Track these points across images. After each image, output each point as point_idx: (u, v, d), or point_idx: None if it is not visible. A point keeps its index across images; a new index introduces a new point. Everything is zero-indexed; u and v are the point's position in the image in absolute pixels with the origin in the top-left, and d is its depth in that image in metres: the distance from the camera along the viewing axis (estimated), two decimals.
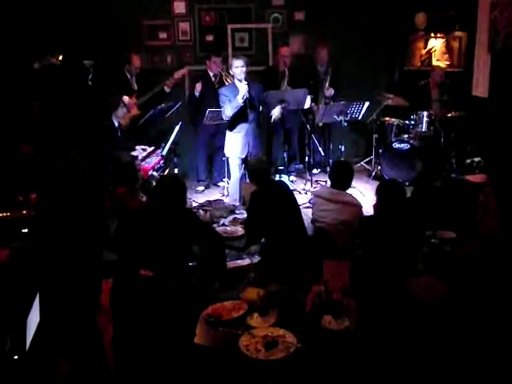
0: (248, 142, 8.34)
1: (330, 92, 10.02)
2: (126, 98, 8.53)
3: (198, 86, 9.47)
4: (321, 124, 9.92)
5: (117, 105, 8.16)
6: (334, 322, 4.24)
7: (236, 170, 8.47)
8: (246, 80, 8.06)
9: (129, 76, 9.25)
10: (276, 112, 9.24)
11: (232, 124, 8.31)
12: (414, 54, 11.25)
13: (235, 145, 8.39)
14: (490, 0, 9.56)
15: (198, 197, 9.32)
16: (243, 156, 8.37)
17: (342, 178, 6.48)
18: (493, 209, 5.26)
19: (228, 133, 8.46)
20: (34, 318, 3.72)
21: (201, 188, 9.86)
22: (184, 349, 4.25)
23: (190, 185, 8.18)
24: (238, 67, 8.05)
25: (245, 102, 8.02)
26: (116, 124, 8.13)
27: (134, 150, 8.24)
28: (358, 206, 6.39)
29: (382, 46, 11.12)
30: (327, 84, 9.98)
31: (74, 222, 4.15)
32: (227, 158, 8.73)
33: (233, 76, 8.40)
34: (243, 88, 7.97)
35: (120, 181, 6.56)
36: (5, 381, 3.37)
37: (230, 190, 8.78)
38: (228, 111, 8.13)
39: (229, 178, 9.16)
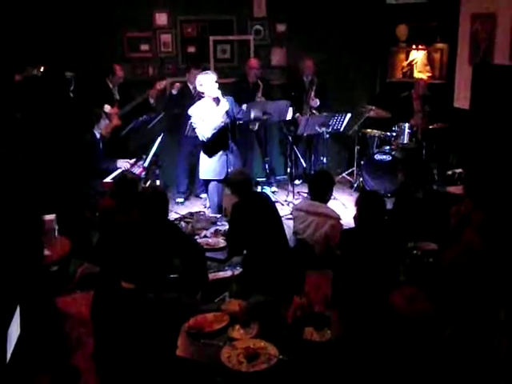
0: (228, 162, 7.70)
1: (316, 102, 10.06)
2: (107, 107, 8.52)
3: (177, 85, 9.54)
4: (305, 134, 9.92)
5: (99, 117, 8.12)
6: (315, 333, 4.23)
7: (216, 191, 7.92)
8: (223, 96, 7.51)
9: (111, 86, 9.23)
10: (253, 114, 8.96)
11: (210, 146, 7.67)
12: (395, 65, 11.32)
13: (212, 166, 7.77)
14: (471, 12, 9.65)
15: (178, 208, 9.31)
16: (222, 177, 7.71)
17: (321, 189, 6.46)
18: (474, 221, 5.27)
19: (202, 155, 7.84)
20: (14, 331, 3.69)
21: (180, 199, 9.84)
22: (165, 361, 4.23)
23: (171, 196, 8.16)
24: (213, 84, 7.45)
25: (226, 121, 7.54)
26: (98, 136, 8.09)
27: (116, 161, 8.18)
28: (337, 219, 6.37)
29: (363, 58, 11.18)
30: (312, 94, 10.02)
31: None
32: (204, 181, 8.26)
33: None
34: (225, 106, 7.44)
35: (115, 194, 6.46)
36: None
37: (211, 210, 8.10)
38: (206, 132, 7.47)
39: None
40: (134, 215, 5.40)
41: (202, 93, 7.62)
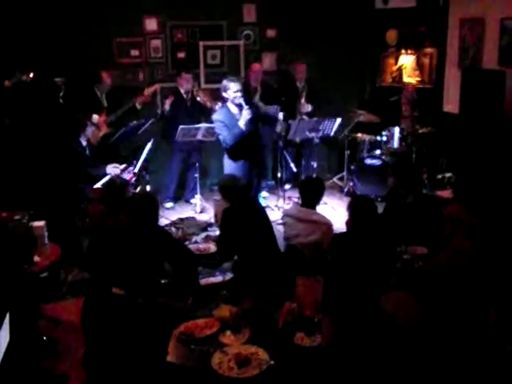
0: (249, 169, 7.71)
1: (307, 108, 10.08)
2: (95, 117, 8.50)
3: (169, 100, 9.46)
4: (298, 140, 9.92)
5: (84, 124, 8.08)
6: (306, 338, 4.24)
7: None
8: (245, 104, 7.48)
9: (99, 94, 9.21)
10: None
11: (234, 152, 7.59)
12: (385, 70, 11.34)
13: (234, 171, 7.45)
14: (460, 17, 9.69)
15: (167, 213, 9.28)
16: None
17: (311, 195, 6.45)
18: (465, 224, 5.28)
19: (227, 161, 7.74)
20: (3, 337, 3.68)
21: (170, 204, 9.80)
22: (156, 367, 4.22)
23: (160, 202, 8.15)
24: (237, 91, 7.46)
25: (248, 128, 7.48)
26: (84, 143, 8.03)
27: (105, 167, 8.15)
28: (328, 224, 6.35)
29: (353, 63, 11.19)
30: (303, 100, 10.03)
31: None
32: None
33: (226, 97, 7.64)
34: (246, 114, 7.38)
35: (104, 199, 6.46)
36: None
37: None
38: (229, 140, 7.45)
39: (201, 194, 9.17)
40: (124, 220, 5.40)
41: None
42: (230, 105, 7.60)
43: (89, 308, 4.75)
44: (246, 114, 7.40)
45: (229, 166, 7.71)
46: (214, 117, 7.73)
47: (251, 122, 7.55)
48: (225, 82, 7.60)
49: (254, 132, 7.69)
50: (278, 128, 9.63)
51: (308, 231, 6.21)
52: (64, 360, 4.98)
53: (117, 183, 6.62)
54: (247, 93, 9.63)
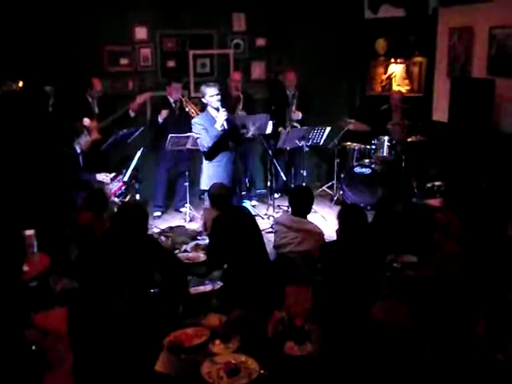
0: (232, 170, 7.95)
1: (298, 116, 10.08)
2: (86, 121, 8.48)
3: (164, 113, 9.43)
4: (288, 148, 9.91)
5: (80, 131, 8.08)
6: (296, 347, 4.22)
7: None
8: (222, 107, 7.71)
9: (90, 100, 9.19)
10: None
11: (211, 154, 7.82)
12: (374, 79, 11.38)
13: (216, 176, 7.66)
14: (449, 26, 9.73)
15: (155, 222, 9.28)
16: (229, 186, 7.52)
17: (301, 204, 6.45)
18: (454, 233, 5.29)
19: (206, 164, 7.95)
20: None
21: (158, 213, 9.80)
22: (145, 376, 4.20)
23: (149, 210, 8.14)
24: (214, 95, 7.70)
25: (224, 129, 7.72)
26: (78, 150, 8.04)
27: (95, 175, 8.14)
28: (320, 234, 6.37)
29: (342, 72, 11.22)
30: (294, 108, 10.04)
31: None
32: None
33: (202, 104, 8.22)
34: (222, 116, 7.65)
35: (89, 206, 6.49)
36: None
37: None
38: (207, 142, 7.67)
39: (191, 203, 9.17)
40: (113, 229, 5.38)
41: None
42: (209, 109, 7.83)
43: (75, 316, 4.73)
44: (222, 115, 7.64)
45: (207, 169, 7.93)
46: (194, 120, 7.97)
47: (227, 124, 7.80)
48: (202, 88, 7.94)
49: (231, 137, 7.91)
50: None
51: (299, 240, 6.21)
52: (53, 369, 4.94)
53: (94, 187, 6.73)
54: (227, 102, 9.65)
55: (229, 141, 7.87)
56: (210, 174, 7.86)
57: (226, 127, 7.75)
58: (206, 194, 7.73)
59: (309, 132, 9.52)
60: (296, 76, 10.26)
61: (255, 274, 5.75)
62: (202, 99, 7.96)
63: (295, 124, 10.08)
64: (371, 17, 10.85)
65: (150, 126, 9.74)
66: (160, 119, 9.44)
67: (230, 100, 9.79)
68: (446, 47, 9.88)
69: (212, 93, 7.72)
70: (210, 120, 7.74)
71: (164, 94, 9.71)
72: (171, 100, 9.50)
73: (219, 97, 7.78)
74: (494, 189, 7.86)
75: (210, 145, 7.69)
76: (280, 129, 9.87)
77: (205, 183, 7.84)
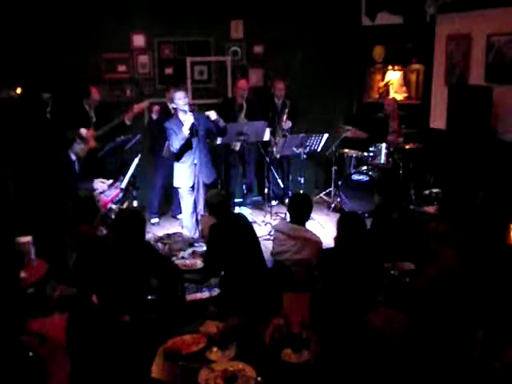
0: (195, 171, 8.09)
1: (288, 125, 10.03)
2: (83, 131, 8.45)
3: (156, 109, 9.54)
4: (278, 156, 9.88)
5: (73, 140, 8.06)
6: (293, 355, 4.22)
7: (188, 200, 8.24)
8: (190, 111, 7.87)
9: (88, 108, 9.18)
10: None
11: (179, 155, 8.12)
12: (372, 86, 11.39)
13: (183, 175, 8.18)
14: (447, 33, 9.75)
15: (153, 229, 9.28)
16: (191, 185, 8.13)
17: (300, 212, 6.42)
18: (451, 241, 5.29)
19: (175, 164, 8.28)
20: None
21: (155, 220, 9.83)
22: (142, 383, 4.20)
23: (146, 217, 8.13)
24: (181, 99, 7.88)
25: (191, 132, 7.86)
26: (73, 158, 8.02)
27: (92, 182, 8.13)
28: (319, 243, 6.33)
29: (340, 79, 11.22)
30: (284, 117, 10.01)
31: None
32: (177, 190, 8.55)
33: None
34: (189, 119, 7.79)
35: (80, 216, 6.50)
36: None
37: (184, 222, 8.52)
38: (175, 144, 7.93)
39: None
40: (111, 236, 5.38)
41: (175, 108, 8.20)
42: (179, 112, 8.05)
43: (73, 324, 4.73)
44: (190, 119, 7.78)
45: (176, 168, 8.29)
46: (166, 124, 8.14)
47: (194, 128, 7.91)
48: (171, 93, 8.37)
49: (196, 136, 8.03)
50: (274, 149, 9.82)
51: (298, 248, 6.19)
52: (51, 376, 4.94)
53: (82, 196, 6.76)
54: (231, 110, 9.66)
55: (194, 141, 8.01)
56: (178, 172, 8.26)
57: (193, 132, 7.90)
58: (179, 191, 8.39)
59: (306, 139, 9.50)
60: (285, 86, 10.27)
61: (252, 281, 5.74)
62: (172, 104, 8.29)
63: (286, 133, 10.03)
64: (369, 24, 10.86)
65: (148, 129, 9.77)
66: (154, 116, 9.55)
67: (234, 108, 9.83)
68: (444, 54, 9.89)
69: (180, 96, 7.91)
70: (178, 124, 7.95)
71: (161, 101, 9.70)
72: (170, 106, 9.48)
73: (187, 100, 7.97)
74: (491, 197, 7.86)
75: (177, 147, 7.95)
76: (271, 137, 9.84)
77: (175, 181, 8.36)
